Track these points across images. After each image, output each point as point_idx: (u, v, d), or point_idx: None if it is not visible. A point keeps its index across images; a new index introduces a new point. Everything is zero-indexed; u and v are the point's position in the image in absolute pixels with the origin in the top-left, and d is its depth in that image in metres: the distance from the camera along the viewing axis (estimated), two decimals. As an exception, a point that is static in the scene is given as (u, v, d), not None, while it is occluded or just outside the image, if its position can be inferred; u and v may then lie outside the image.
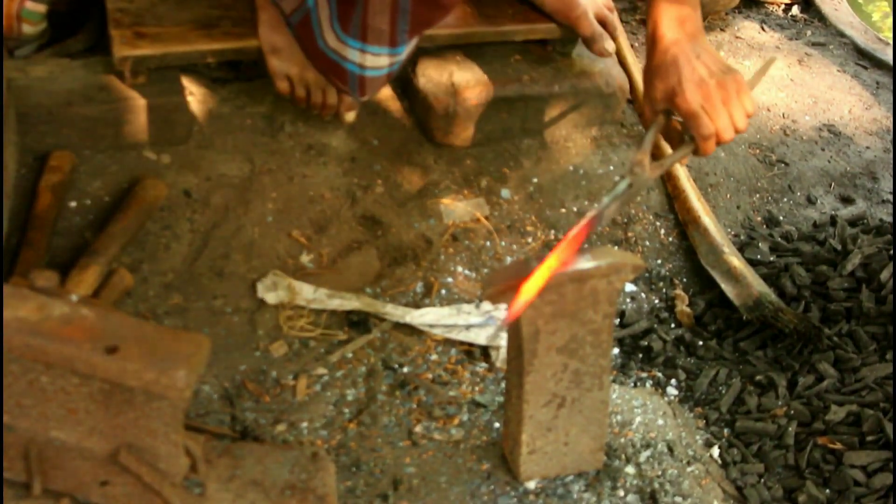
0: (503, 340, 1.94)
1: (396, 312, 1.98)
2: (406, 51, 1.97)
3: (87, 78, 2.06)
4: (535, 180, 2.30)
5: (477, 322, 1.98)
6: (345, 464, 1.71)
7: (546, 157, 2.32)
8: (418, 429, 1.80)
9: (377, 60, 1.93)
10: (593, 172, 2.34)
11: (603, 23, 2.30)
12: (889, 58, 3.12)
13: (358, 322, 1.97)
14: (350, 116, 2.17)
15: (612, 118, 2.40)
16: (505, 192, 2.26)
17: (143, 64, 2.05)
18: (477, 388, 1.89)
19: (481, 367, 1.94)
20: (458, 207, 2.21)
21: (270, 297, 1.95)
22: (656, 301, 2.22)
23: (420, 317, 1.98)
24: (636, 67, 2.50)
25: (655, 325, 2.15)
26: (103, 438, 1.33)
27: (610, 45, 2.29)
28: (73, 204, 1.99)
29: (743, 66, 2.94)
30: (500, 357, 1.94)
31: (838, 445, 1.88)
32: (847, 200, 2.56)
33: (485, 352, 1.97)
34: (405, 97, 2.31)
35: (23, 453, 1.35)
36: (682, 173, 2.35)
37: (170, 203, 2.03)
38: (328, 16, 1.90)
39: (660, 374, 2.06)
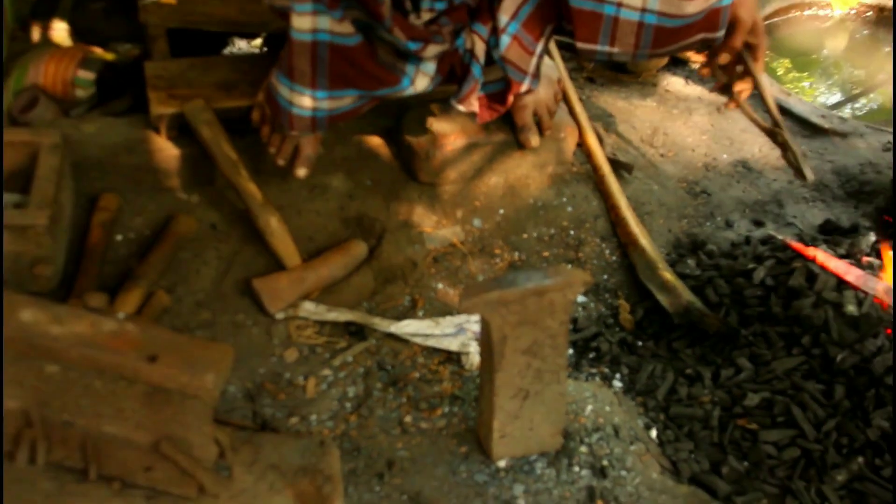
0: (472, 347, 1.94)
1: (383, 324, 1.97)
2: (330, 101, 1.92)
3: (129, 133, 2.07)
4: (502, 211, 2.29)
5: (451, 332, 1.97)
6: (347, 449, 1.71)
7: (510, 192, 2.31)
8: (408, 419, 1.80)
9: (301, 100, 1.90)
10: (549, 204, 2.33)
11: (540, 118, 2.28)
12: (791, 107, 3.09)
13: (356, 331, 1.97)
14: (301, 172, 2.03)
15: (564, 160, 2.38)
16: (476, 222, 2.25)
17: (176, 120, 2.06)
18: (456, 385, 1.89)
19: (459, 367, 1.94)
20: (438, 235, 2.20)
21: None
22: (603, 309, 2.21)
23: (403, 327, 1.97)
24: (584, 117, 2.49)
25: (603, 330, 2.14)
26: (147, 432, 1.33)
27: (534, 141, 2.25)
28: (119, 237, 2.00)
29: (672, 113, 2.95)
30: (469, 361, 1.93)
31: (754, 426, 1.89)
32: (758, 223, 2.56)
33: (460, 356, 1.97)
34: (393, 144, 2.30)
35: (80, 445, 1.35)
36: (622, 203, 2.34)
37: (199, 235, 2.03)
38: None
39: (607, 370, 2.05)
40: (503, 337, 1.54)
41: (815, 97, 3.43)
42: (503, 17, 2.02)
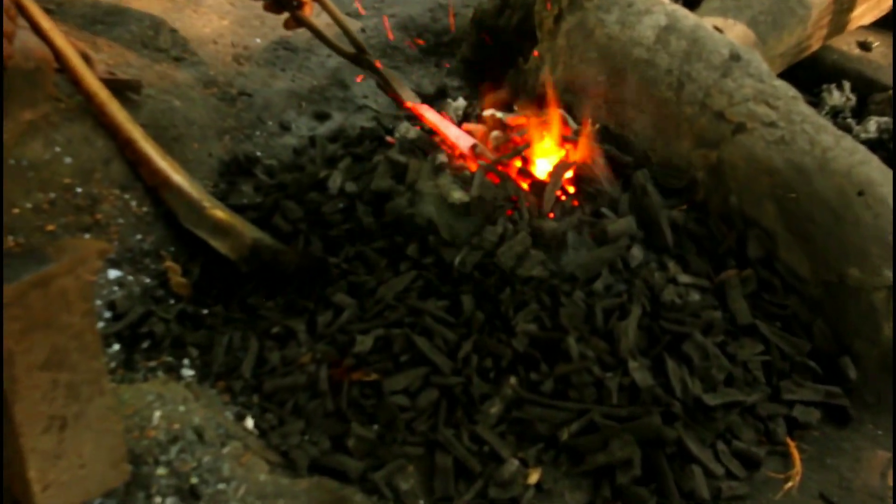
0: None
1: None
2: None
3: None
4: (-24, 190, 2.17)
5: None
6: None
7: (-19, 160, 2.19)
8: None
9: None
10: (39, 160, 2.21)
11: None
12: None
13: None
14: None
15: (42, 97, 2.27)
16: (-60, 210, 2.12)
17: None
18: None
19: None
20: None
21: None
22: (147, 280, 2.16)
23: None
24: (57, 33, 2.36)
25: (153, 307, 2.10)
26: None
27: None
28: None
29: (177, 2, 2.92)
30: None
31: (374, 376, 1.91)
32: (323, 117, 2.58)
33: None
34: None
35: None
36: (137, 135, 2.29)
37: None
38: None
39: (170, 358, 2.02)
40: (9, 355, 1.45)
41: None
42: None
